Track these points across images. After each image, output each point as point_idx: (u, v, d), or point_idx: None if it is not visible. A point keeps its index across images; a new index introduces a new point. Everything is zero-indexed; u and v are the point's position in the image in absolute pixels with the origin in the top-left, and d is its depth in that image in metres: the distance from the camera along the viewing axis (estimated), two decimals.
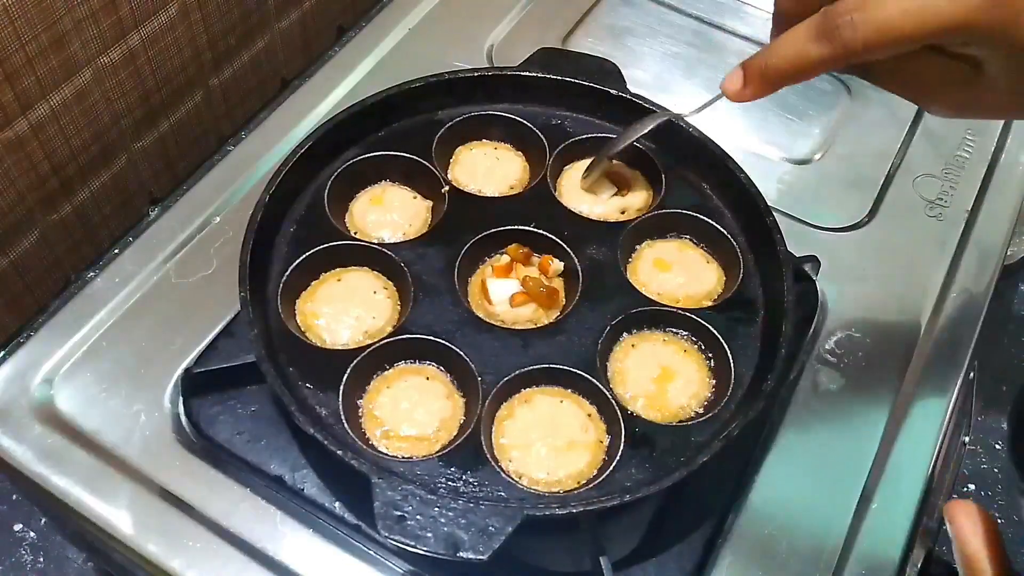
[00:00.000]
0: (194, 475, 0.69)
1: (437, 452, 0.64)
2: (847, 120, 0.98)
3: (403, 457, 0.65)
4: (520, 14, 1.05)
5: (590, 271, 0.74)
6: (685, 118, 0.73)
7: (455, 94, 0.83)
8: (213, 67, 1.15)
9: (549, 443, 0.66)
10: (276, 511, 0.68)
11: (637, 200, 0.81)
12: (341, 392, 0.66)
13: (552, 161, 0.81)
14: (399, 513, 0.57)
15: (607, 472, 0.64)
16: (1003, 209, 0.91)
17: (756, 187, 0.76)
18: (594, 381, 0.68)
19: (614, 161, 0.82)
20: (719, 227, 0.77)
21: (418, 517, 0.57)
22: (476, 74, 0.84)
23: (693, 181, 0.81)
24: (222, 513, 0.67)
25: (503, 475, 0.63)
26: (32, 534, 1.05)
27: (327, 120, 0.78)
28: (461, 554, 0.56)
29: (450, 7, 1.05)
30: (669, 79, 1.01)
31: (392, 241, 0.76)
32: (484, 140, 0.85)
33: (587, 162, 0.82)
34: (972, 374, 0.84)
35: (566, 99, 0.84)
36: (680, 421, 0.68)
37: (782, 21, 0.56)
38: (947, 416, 0.76)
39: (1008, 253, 0.92)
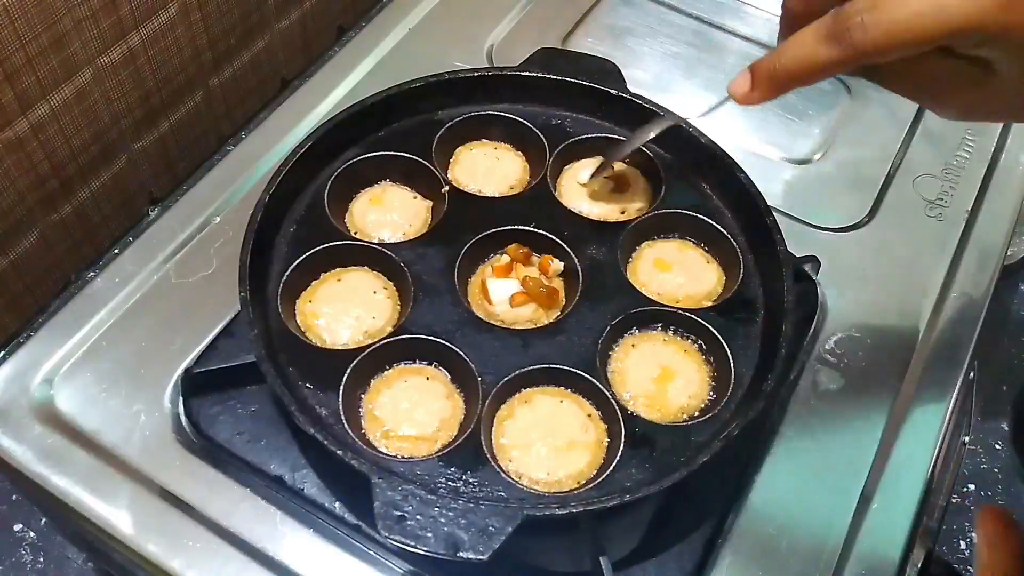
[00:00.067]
0: (194, 475, 0.69)
1: (437, 452, 0.64)
2: (847, 120, 0.98)
3: (403, 457, 0.65)
4: (520, 14, 1.05)
5: (590, 271, 0.74)
6: (690, 121, 0.72)
7: (455, 94, 0.83)
8: (213, 67, 1.15)
9: (549, 443, 0.66)
10: (276, 511, 0.68)
11: (637, 200, 0.81)
12: (341, 392, 0.66)
13: (552, 161, 0.81)
14: (399, 513, 0.57)
15: (607, 472, 0.64)
16: (1003, 209, 0.91)
17: (756, 187, 0.76)
18: (594, 381, 0.68)
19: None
20: (719, 227, 0.77)
21: (418, 517, 0.57)
22: (476, 74, 0.84)
23: (693, 181, 0.81)
24: (222, 513, 0.67)
25: (503, 475, 0.63)
26: (32, 534, 1.05)
27: (327, 120, 0.78)
28: (461, 554, 0.56)
29: (450, 7, 1.05)
30: (669, 79, 1.01)
31: (392, 241, 0.76)
32: (484, 140, 0.85)
33: (587, 162, 0.82)
34: (972, 374, 0.85)
35: (566, 99, 0.84)
36: (680, 421, 0.68)
37: (790, 23, 0.55)
38: (947, 416, 0.76)
39: (1008, 253, 0.92)
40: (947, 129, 0.97)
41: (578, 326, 0.71)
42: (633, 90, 0.83)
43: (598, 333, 0.70)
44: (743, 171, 0.77)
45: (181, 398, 0.72)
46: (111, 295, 0.78)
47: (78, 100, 0.97)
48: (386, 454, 0.65)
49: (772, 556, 0.68)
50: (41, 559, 1.04)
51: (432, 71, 0.83)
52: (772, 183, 0.90)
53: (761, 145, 0.95)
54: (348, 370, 0.67)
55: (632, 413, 0.67)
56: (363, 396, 0.68)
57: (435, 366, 0.70)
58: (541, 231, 0.76)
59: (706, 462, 0.61)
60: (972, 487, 1.24)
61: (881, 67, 0.54)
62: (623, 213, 0.80)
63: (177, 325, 0.76)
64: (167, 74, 1.08)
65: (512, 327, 0.71)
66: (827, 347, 0.79)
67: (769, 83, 0.56)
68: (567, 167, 0.83)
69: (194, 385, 0.71)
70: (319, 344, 0.70)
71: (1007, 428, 1.28)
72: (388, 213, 0.78)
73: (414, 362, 0.70)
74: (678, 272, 0.76)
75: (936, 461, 0.74)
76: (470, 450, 0.64)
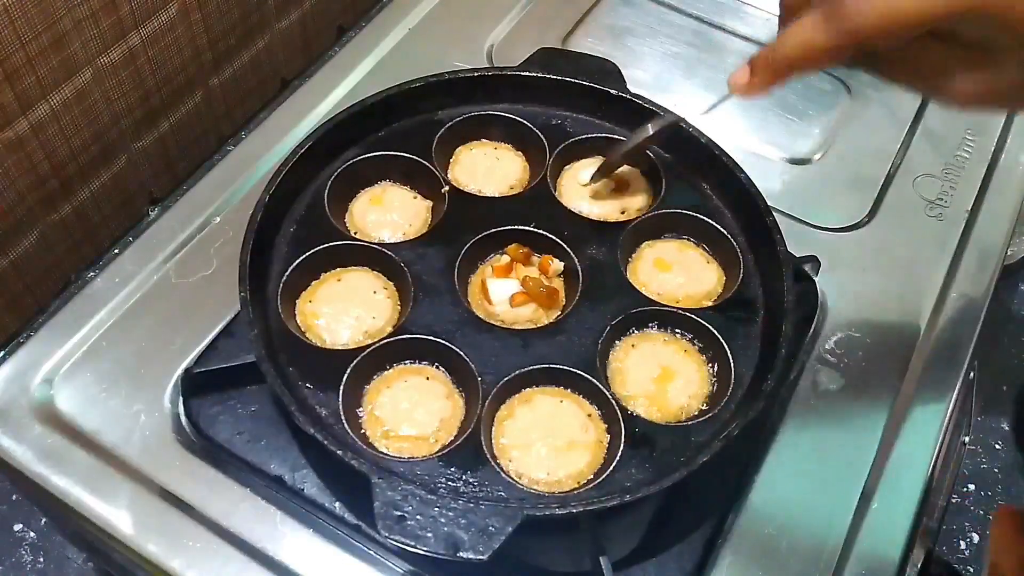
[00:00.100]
0: (194, 475, 0.69)
1: (437, 452, 0.64)
2: (847, 120, 0.98)
3: (403, 457, 0.64)
4: (520, 14, 1.05)
5: (590, 271, 0.74)
6: (691, 121, 0.72)
7: (455, 94, 0.83)
8: (213, 67, 1.15)
9: (549, 443, 0.66)
10: (276, 511, 0.68)
11: (637, 200, 0.81)
12: (341, 392, 0.66)
13: (552, 161, 0.81)
14: (399, 513, 0.57)
15: (607, 472, 0.64)
16: (1003, 209, 0.91)
17: (756, 187, 0.76)
18: (594, 381, 0.68)
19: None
20: (719, 227, 0.77)
21: (418, 517, 0.57)
22: (476, 74, 0.84)
23: (693, 181, 0.81)
24: (222, 513, 0.67)
25: (503, 475, 0.63)
26: (32, 534, 1.05)
27: (327, 120, 0.78)
28: (461, 554, 0.56)
29: (450, 7, 1.05)
30: (669, 79, 1.01)
31: (392, 241, 0.76)
32: (484, 140, 0.85)
33: (587, 162, 0.82)
34: (972, 374, 0.85)
35: (566, 99, 0.84)
36: (680, 421, 0.68)
37: (789, 17, 0.55)
38: (947, 416, 0.76)
39: (1008, 253, 0.92)
40: (947, 129, 0.97)
41: (578, 326, 0.71)
42: (633, 90, 0.83)
43: (598, 333, 0.70)
44: (743, 171, 0.77)
45: (181, 398, 0.72)
46: (111, 295, 0.78)
47: (78, 100, 0.97)
48: (386, 454, 0.65)
49: (772, 556, 0.68)
50: (41, 559, 1.04)
51: (432, 71, 0.83)
52: (772, 183, 0.90)
53: (761, 145, 0.95)
54: (348, 370, 0.67)
55: (632, 413, 0.67)
56: (363, 396, 0.68)
57: (435, 366, 0.70)
58: (541, 231, 0.76)
59: (706, 462, 0.61)
60: (972, 487, 1.24)
61: (882, 56, 0.54)
62: (623, 213, 0.80)
63: (177, 325, 0.76)
64: (167, 74, 1.08)
65: (512, 327, 0.71)
66: (827, 347, 0.79)
67: (768, 71, 0.55)
68: (567, 167, 0.83)
69: (194, 385, 0.71)
70: (319, 344, 0.70)
71: (1007, 428, 1.28)
72: (388, 213, 0.78)
73: (414, 362, 0.70)
74: (678, 272, 0.76)
75: (936, 461, 0.74)
76: (470, 450, 0.64)
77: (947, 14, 0.48)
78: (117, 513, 0.67)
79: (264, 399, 0.71)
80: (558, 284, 0.75)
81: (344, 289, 0.73)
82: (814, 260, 0.82)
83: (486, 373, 0.67)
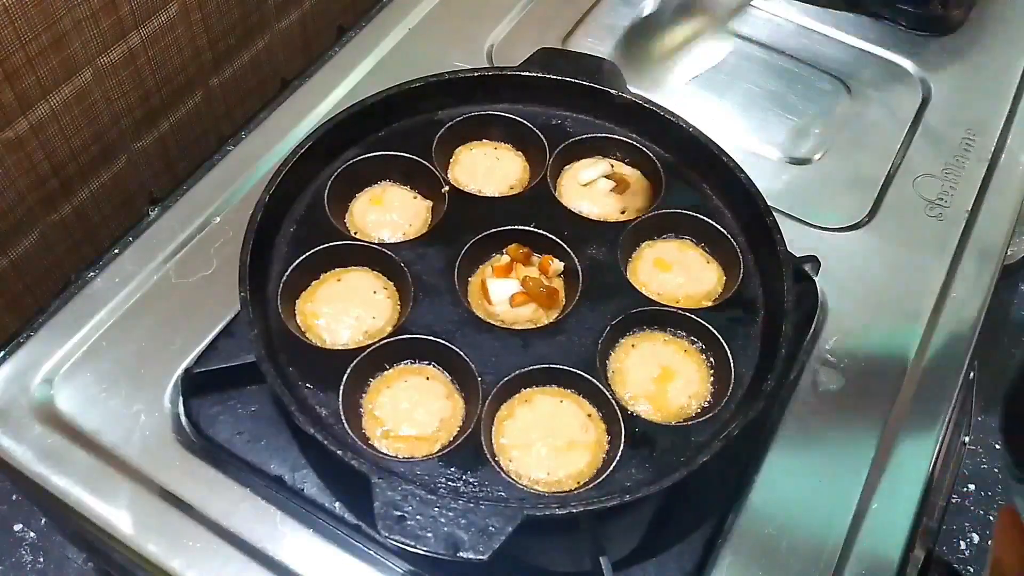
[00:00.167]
0: (194, 475, 0.69)
1: (437, 452, 0.64)
2: (847, 120, 0.98)
3: (403, 457, 0.65)
4: (520, 14, 1.05)
5: (590, 271, 0.74)
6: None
7: (455, 94, 0.83)
8: (213, 67, 1.15)
9: (549, 443, 0.66)
10: (276, 511, 0.68)
11: (637, 200, 0.81)
12: (341, 392, 0.66)
13: (552, 161, 0.81)
14: (399, 513, 0.57)
15: (607, 472, 0.64)
16: (1003, 209, 0.91)
17: (756, 187, 0.76)
18: (594, 381, 0.68)
19: (614, 162, 0.82)
20: (719, 227, 0.77)
21: (418, 517, 0.57)
22: (476, 74, 0.84)
23: (693, 181, 0.81)
24: (222, 513, 0.67)
25: (503, 475, 0.63)
26: (32, 534, 1.05)
27: (327, 120, 0.78)
28: (461, 554, 0.56)
29: (450, 7, 1.05)
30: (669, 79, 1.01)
31: (392, 241, 0.76)
32: (484, 140, 0.85)
33: (587, 162, 0.82)
34: (972, 374, 0.85)
35: (566, 99, 0.84)
36: (680, 421, 0.68)
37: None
38: (947, 416, 0.76)
39: (1008, 253, 0.92)
40: (947, 129, 0.97)
41: (578, 326, 0.71)
42: (633, 90, 0.83)
43: (598, 333, 0.70)
44: (743, 171, 0.77)
45: (181, 398, 0.72)
46: (111, 295, 0.78)
47: (78, 100, 0.97)
48: (386, 454, 0.65)
49: (772, 556, 0.68)
50: (41, 559, 1.04)
51: (432, 71, 0.83)
52: (772, 183, 0.90)
53: (761, 145, 0.95)
54: (348, 370, 0.67)
55: (632, 413, 0.67)
56: (363, 396, 0.68)
57: (435, 366, 0.70)
58: (541, 231, 0.76)
59: (706, 462, 0.61)
60: (972, 487, 1.24)
61: None
62: (623, 213, 0.80)
63: (177, 325, 0.76)
64: (167, 74, 1.08)
65: (512, 327, 0.71)
66: (827, 347, 0.79)
67: None
68: (567, 167, 0.83)
69: (194, 385, 0.71)
70: (319, 344, 0.70)
71: (1000, 416, 1.28)
72: (388, 213, 0.78)
73: (414, 362, 0.70)
74: (678, 272, 0.76)
75: (936, 461, 0.74)
76: (470, 450, 0.64)
77: None
78: (117, 513, 0.67)
79: (264, 399, 0.71)
80: (558, 284, 0.75)
81: (344, 289, 0.73)
82: (814, 260, 0.82)
83: (486, 373, 0.67)
